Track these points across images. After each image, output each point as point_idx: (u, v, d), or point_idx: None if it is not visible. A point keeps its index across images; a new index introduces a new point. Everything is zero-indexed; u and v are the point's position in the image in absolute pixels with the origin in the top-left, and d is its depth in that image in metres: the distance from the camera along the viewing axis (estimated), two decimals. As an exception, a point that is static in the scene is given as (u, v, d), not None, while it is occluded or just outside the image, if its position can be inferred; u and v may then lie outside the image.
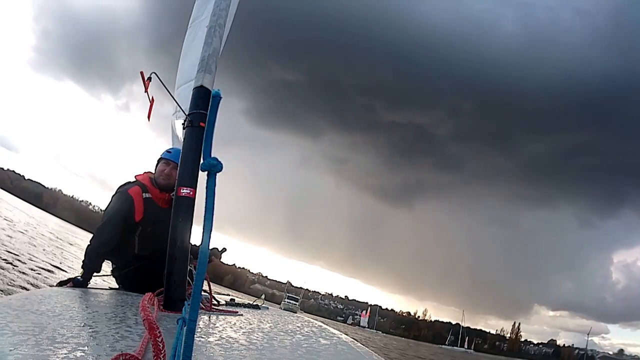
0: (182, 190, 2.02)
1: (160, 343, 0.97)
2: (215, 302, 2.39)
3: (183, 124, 2.19)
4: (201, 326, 1.58)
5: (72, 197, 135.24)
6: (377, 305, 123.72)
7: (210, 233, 0.84)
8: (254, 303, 2.89)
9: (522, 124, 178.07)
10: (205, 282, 2.24)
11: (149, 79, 2.17)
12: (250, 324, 1.87)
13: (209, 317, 1.87)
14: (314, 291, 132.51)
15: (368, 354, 1.56)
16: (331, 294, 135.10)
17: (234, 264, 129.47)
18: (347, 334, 2.00)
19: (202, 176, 0.88)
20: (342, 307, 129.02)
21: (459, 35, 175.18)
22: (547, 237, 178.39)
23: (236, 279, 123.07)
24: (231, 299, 2.93)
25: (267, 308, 2.80)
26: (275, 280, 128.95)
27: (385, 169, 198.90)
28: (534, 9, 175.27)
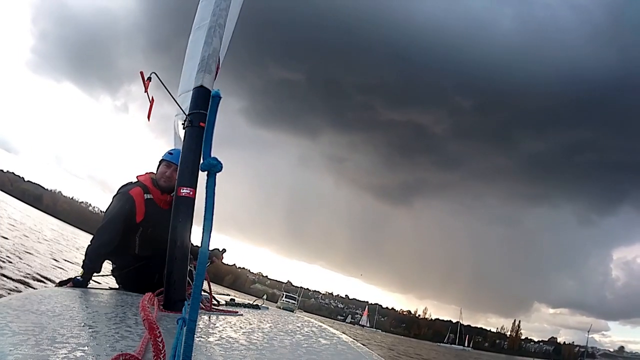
0: (182, 190, 2.02)
1: (160, 343, 0.97)
2: (215, 302, 2.39)
3: (183, 124, 2.20)
4: (201, 326, 1.58)
5: (72, 198, 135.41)
6: (377, 304, 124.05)
7: (210, 233, 0.84)
8: (254, 303, 2.89)
9: (521, 121, 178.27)
10: (205, 282, 2.24)
11: (149, 79, 2.17)
12: (250, 324, 1.87)
13: (209, 317, 1.87)
14: (315, 290, 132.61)
15: (368, 354, 1.56)
16: (331, 293, 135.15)
17: (234, 264, 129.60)
18: (345, 334, 2.00)
19: (202, 176, 0.89)
20: (342, 306, 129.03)
21: (458, 34, 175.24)
22: (547, 234, 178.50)
23: (236, 278, 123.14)
24: (231, 299, 2.93)
25: (267, 308, 2.80)
26: (276, 280, 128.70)
27: (384, 168, 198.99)
28: (532, 6, 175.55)
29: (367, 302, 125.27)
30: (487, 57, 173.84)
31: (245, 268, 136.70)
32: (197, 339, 1.27)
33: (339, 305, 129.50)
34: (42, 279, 6.87)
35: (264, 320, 2.12)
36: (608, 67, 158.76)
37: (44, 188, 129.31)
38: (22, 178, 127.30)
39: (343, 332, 2.02)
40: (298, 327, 1.99)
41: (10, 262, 7.28)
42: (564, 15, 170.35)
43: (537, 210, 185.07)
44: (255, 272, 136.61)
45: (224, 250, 3.18)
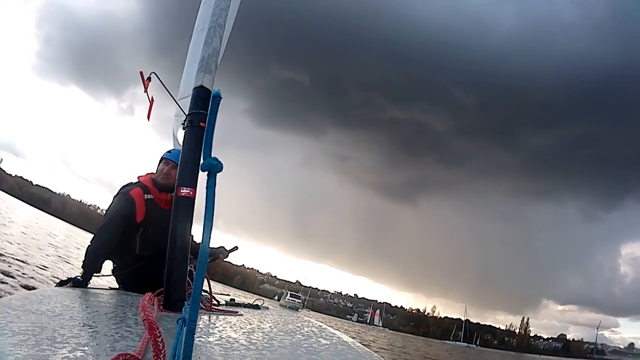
0: (181, 190, 2.01)
1: (160, 343, 0.97)
2: (215, 302, 2.39)
3: (183, 123, 2.19)
4: (201, 326, 1.58)
5: (80, 201, 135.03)
6: (386, 302, 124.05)
7: (210, 233, 0.84)
8: (254, 303, 2.88)
9: (524, 117, 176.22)
10: (205, 282, 2.24)
11: (149, 79, 2.17)
12: (250, 324, 1.87)
13: (209, 317, 1.87)
14: (323, 290, 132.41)
15: (368, 354, 1.55)
16: (340, 293, 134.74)
17: (243, 265, 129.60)
18: (346, 333, 1.98)
19: (203, 176, 0.89)
20: (351, 305, 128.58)
21: (460, 30, 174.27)
22: (553, 231, 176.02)
23: (245, 279, 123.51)
24: (231, 299, 2.93)
25: (267, 308, 2.80)
26: (285, 280, 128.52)
27: (388, 165, 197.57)
28: (532, 1, 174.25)
29: (377, 300, 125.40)
30: (488, 53, 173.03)
31: (254, 268, 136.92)
32: (197, 339, 1.27)
33: (347, 305, 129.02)
34: (42, 279, 6.93)
35: (264, 320, 2.11)
36: (610, 61, 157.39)
37: (52, 191, 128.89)
38: (30, 182, 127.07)
39: (346, 331, 2.01)
40: (298, 327, 1.98)
41: (11, 263, 7.35)
42: (565, 10, 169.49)
43: (542, 206, 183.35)
44: (264, 272, 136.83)
45: (236, 248, 3.12)
